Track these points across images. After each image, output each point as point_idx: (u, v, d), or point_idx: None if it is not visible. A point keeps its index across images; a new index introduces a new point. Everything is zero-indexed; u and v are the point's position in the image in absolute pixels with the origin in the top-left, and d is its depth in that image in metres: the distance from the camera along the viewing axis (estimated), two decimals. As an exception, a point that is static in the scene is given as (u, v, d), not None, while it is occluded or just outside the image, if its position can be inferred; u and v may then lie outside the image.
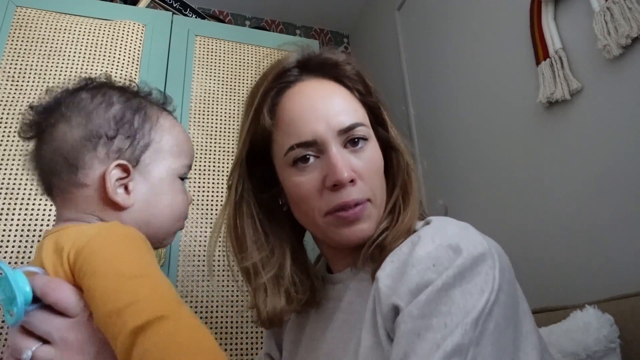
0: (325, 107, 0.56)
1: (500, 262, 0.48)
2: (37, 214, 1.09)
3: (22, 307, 0.43)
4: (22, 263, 1.04)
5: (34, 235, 1.07)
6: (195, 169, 1.28)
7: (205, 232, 1.22)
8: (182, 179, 0.59)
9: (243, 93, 1.41)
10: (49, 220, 1.09)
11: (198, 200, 1.24)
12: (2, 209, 1.07)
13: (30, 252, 1.06)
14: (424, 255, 0.48)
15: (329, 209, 0.55)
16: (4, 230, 1.06)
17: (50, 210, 1.10)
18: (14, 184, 1.10)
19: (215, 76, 1.41)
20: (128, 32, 1.34)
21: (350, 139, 0.56)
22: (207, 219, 1.23)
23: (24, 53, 1.24)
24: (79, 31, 1.30)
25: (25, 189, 1.10)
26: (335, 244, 0.58)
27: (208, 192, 1.26)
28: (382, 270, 0.51)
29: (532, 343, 0.48)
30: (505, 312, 0.45)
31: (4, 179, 1.10)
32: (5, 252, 1.04)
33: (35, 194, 1.10)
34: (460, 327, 0.42)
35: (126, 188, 0.53)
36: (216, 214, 1.25)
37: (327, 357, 0.58)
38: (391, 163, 0.62)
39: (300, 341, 0.67)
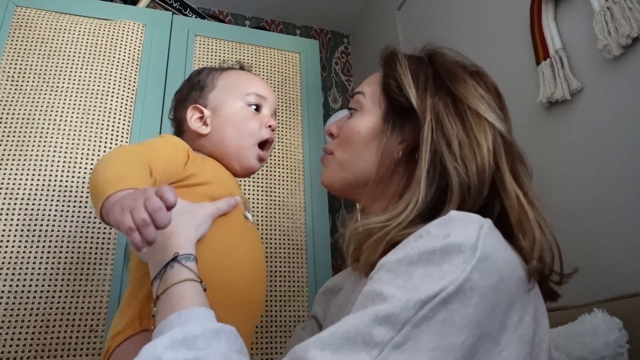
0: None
1: (487, 264, 0.43)
2: (37, 214, 1.09)
3: None
4: (22, 263, 1.04)
5: (33, 236, 1.07)
6: (195, 169, 1.28)
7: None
8: (254, 106, 0.76)
9: (243, 93, 1.41)
10: (48, 220, 1.09)
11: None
12: (2, 209, 1.07)
13: (30, 252, 1.06)
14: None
15: None
16: (4, 230, 1.06)
17: (50, 209, 1.10)
18: (14, 184, 1.10)
19: (215, 76, 1.41)
20: (128, 32, 1.34)
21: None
22: (207, 219, 1.23)
23: (24, 53, 1.23)
24: (79, 31, 1.30)
25: (25, 189, 1.10)
26: None
27: (208, 192, 1.26)
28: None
29: None
30: (471, 315, 0.41)
31: (4, 179, 1.10)
32: (5, 252, 1.04)
33: (35, 194, 1.10)
34: (403, 301, 0.41)
35: (205, 123, 0.75)
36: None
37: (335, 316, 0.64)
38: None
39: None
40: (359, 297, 0.47)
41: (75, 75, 1.24)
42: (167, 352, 0.43)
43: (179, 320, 0.48)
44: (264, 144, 0.78)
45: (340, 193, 0.69)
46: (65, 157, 1.15)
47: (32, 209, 1.09)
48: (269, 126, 0.77)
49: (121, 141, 1.22)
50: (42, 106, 1.19)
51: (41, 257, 1.06)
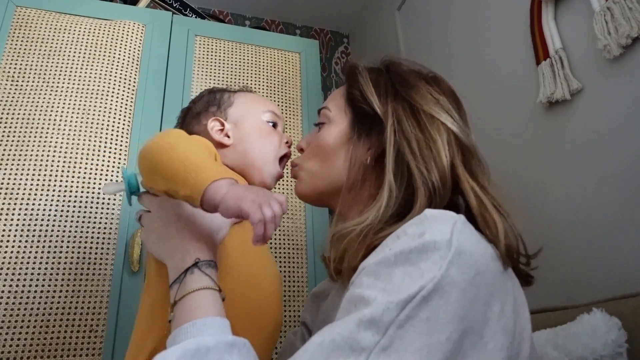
0: None
1: (463, 259, 0.44)
2: (37, 214, 1.09)
3: (129, 193, 0.66)
4: (22, 263, 1.04)
5: (33, 236, 1.07)
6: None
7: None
8: (272, 123, 0.79)
9: (243, 93, 1.41)
10: (48, 220, 1.09)
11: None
12: (2, 209, 1.07)
13: (30, 252, 1.06)
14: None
15: None
16: (4, 230, 1.06)
17: (50, 209, 1.10)
18: (14, 184, 1.10)
19: (215, 76, 1.41)
20: (128, 32, 1.34)
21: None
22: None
23: (24, 53, 1.24)
24: (79, 31, 1.30)
25: (25, 189, 1.10)
26: None
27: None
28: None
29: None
30: (453, 310, 0.42)
31: (3, 179, 1.10)
32: (5, 252, 1.04)
33: (35, 194, 1.10)
34: (385, 304, 0.42)
35: (227, 135, 0.76)
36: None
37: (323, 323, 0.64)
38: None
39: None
40: (342, 302, 0.47)
41: (75, 75, 1.24)
42: None
43: (193, 330, 0.48)
44: (280, 160, 0.80)
45: (314, 202, 0.72)
46: (65, 157, 1.15)
47: (32, 209, 1.09)
48: (286, 142, 0.80)
49: (121, 141, 1.23)
50: (42, 106, 1.19)
51: (41, 257, 1.06)
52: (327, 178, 0.67)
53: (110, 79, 1.26)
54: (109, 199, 1.16)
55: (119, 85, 1.27)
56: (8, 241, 1.05)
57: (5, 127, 1.15)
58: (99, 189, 1.16)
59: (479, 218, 0.54)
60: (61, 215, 1.11)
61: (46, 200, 1.11)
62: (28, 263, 1.05)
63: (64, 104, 1.20)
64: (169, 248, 0.58)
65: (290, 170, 0.74)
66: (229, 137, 0.76)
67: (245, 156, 0.75)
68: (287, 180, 1.36)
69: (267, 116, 0.80)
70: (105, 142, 1.20)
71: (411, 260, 0.44)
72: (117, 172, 1.19)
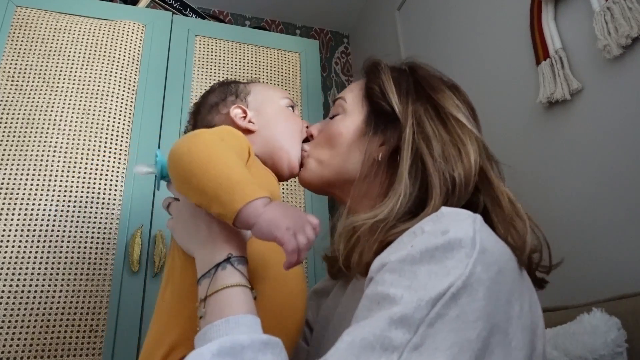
0: None
1: (487, 257, 0.44)
2: (37, 214, 1.09)
3: (159, 177, 0.64)
4: (22, 263, 1.04)
5: (33, 235, 1.07)
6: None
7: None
8: (291, 107, 0.80)
9: (243, 93, 1.41)
10: (48, 219, 1.09)
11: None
12: (2, 209, 1.07)
13: (30, 252, 1.06)
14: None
15: None
16: (4, 230, 1.06)
17: (50, 209, 1.10)
18: (14, 184, 1.10)
19: (215, 76, 1.41)
20: (128, 32, 1.34)
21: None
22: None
23: (24, 53, 1.24)
24: (79, 31, 1.30)
25: (25, 189, 1.10)
26: None
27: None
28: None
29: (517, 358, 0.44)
30: (481, 308, 0.42)
31: (3, 179, 1.10)
32: (5, 252, 1.04)
33: (35, 194, 1.10)
34: (415, 302, 0.41)
35: (250, 121, 0.76)
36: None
37: (338, 317, 0.64)
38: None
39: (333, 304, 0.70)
40: (363, 299, 0.47)
41: (75, 75, 1.24)
42: None
43: (226, 327, 0.47)
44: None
45: (317, 190, 0.72)
46: (65, 157, 1.15)
47: (32, 209, 1.09)
48: (307, 127, 0.80)
49: (121, 141, 1.23)
50: (42, 106, 1.19)
51: (41, 257, 1.06)
52: (334, 168, 0.67)
53: (110, 79, 1.26)
54: (109, 198, 1.16)
55: (119, 85, 1.27)
56: (8, 241, 1.05)
57: (5, 127, 1.15)
58: (99, 188, 1.16)
59: (508, 223, 0.54)
60: (61, 215, 1.11)
61: (46, 200, 1.11)
62: (28, 263, 1.05)
63: (64, 104, 1.20)
64: (198, 240, 0.56)
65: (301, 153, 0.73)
66: (252, 123, 0.76)
67: (273, 140, 0.74)
68: (287, 180, 1.36)
69: (285, 102, 0.80)
70: (105, 142, 1.20)
71: (436, 258, 0.44)
72: (117, 172, 1.19)
